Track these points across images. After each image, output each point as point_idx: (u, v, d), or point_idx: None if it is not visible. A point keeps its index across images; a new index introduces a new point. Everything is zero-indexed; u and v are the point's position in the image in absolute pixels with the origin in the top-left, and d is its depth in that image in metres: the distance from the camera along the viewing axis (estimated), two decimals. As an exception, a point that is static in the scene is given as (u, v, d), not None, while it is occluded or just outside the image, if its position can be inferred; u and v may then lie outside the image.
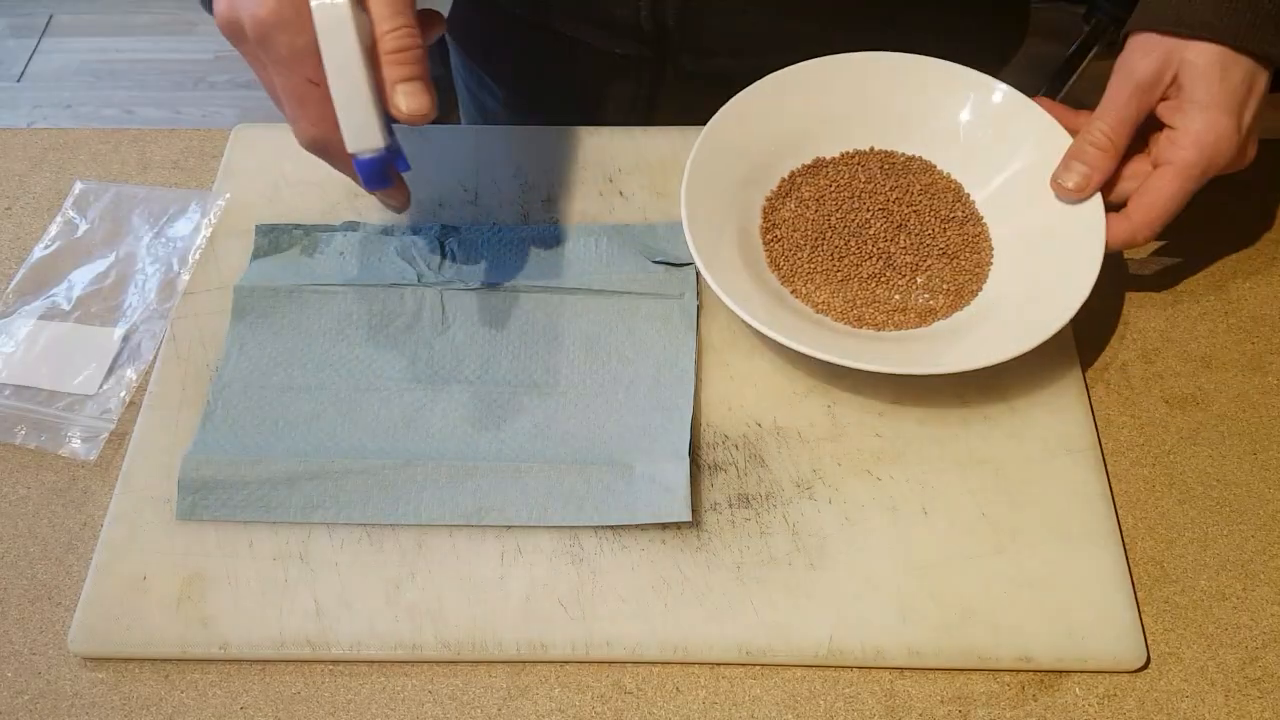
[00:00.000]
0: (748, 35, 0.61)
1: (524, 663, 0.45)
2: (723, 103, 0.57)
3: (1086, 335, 0.54)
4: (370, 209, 0.59)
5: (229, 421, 0.50)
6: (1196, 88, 0.49)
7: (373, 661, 0.45)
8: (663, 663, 0.45)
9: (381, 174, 0.46)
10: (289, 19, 0.41)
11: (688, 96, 0.66)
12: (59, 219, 0.60)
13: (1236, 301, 0.56)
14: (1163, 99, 0.51)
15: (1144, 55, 0.50)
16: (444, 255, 0.56)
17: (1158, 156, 0.51)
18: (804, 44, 0.61)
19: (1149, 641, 0.46)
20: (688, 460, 0.48)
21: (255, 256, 0.56)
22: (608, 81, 0.66)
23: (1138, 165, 0.52)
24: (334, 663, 0.46)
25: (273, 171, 0.61)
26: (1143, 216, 0.50)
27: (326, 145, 0.45)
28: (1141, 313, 0.56)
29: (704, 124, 0.56)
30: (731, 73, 0.63)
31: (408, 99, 0.43)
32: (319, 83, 0.43)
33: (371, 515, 0.48)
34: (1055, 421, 0.51)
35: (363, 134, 0.44)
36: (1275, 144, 0.62)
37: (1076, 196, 0.52)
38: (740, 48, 0.61)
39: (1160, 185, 0.50)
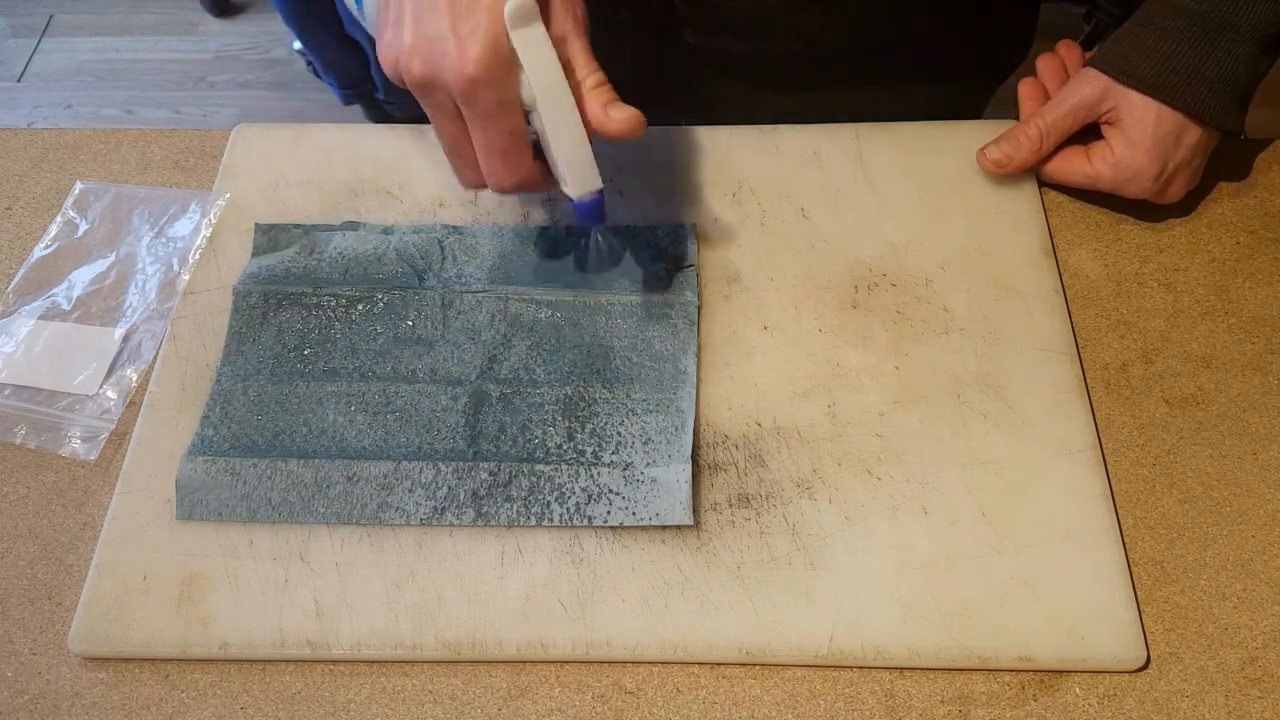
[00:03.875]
0: (753, 20, 0.61)
1: (524, 663, 0.45)
2: (723, 77, 0.56)
3: (1087, 335, 0.54)
4: (370, 209, 0.59)
5: (227, 422, 0.50)
6: (1129, 126, 0.55)
7: (373, 661, 0.45)
8: (663, 663, 0.45)
9: (600, 211, 0.49)
10: (500, 77, 0.43)
11: (690, 69, 0.65)
12: (59, 219, 0.60)
13: (1236, 301, 0.56)
14: (1105, 120, 0.57)
15: (1091, 82, 0.56)
16: (444, 256, 0.56)
17: (1090, 152, 0.58)
18: (808, 34, 0.61)
19: (1149, 641, 0.46)
20: (689, 463, 0.48)
21: (254, 255, 0.56)
22: (610, 40, 0.66)
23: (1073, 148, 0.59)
24: (334, 663, 0.46)
25: (273, 171, 0.60)
26: (1049, 172, 0.59)
27: (525, 188, 0.48)
28: (1141, 313, 0.56)
29: (703, 99, 0.56)
30: (734, 52, 0.63)
31: (620, 112, 0.46)
32: (519, 133, 0.45)
33: (371, 516, 0.48)
34: (1055, 421, 0.51)
35: (586, 178, 0.47)
36: (1276, 144, 0.62)
37: (994, 169, 0.59)
38: (744, 31, 0.61)
39: (1073, 166, 0.58)
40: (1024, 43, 0.72)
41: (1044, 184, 0.60)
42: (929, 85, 0.68)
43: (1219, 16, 0.53)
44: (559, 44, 0.45)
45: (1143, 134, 0.55)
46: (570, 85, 0.45)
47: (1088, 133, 0.58)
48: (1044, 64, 0.62)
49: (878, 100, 0.65)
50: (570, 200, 0.48)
